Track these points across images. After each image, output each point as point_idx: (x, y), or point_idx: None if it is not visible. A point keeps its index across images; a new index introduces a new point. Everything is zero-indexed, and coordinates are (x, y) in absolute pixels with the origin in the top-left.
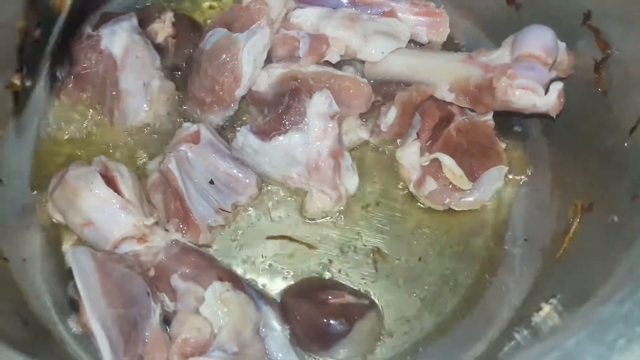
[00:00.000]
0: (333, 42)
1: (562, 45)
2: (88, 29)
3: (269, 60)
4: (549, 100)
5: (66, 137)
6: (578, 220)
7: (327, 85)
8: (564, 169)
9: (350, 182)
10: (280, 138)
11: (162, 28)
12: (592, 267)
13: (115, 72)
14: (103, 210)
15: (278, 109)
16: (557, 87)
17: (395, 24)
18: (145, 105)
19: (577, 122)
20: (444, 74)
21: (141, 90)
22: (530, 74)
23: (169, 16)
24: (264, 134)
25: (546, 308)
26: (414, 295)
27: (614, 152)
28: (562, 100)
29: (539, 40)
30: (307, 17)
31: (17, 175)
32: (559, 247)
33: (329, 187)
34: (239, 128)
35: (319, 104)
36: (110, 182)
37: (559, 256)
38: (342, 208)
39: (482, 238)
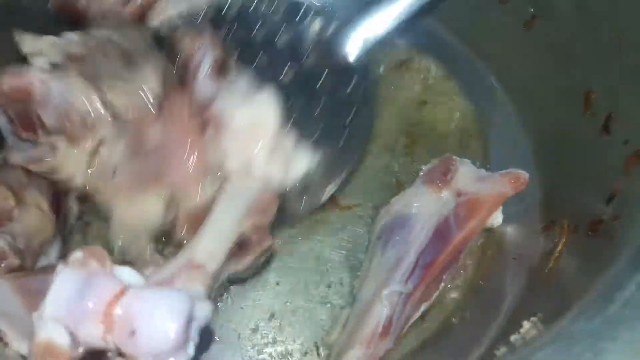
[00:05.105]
0: None
1: None
2: None
3: None
4: None
5: None
6: (564, 240)
7: None
8: (554, 188)
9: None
10: None
11: None
12: (571, 286)
13: None
14: None
15: None
16: None
17: None
18: None
19: (568, 143)
20: None
21: None
22: None
23: None
24: None
25: (526, 325)
26: None
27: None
28: None
29: None
30: None
31: None
32: (545, 266)
33: None
34: None
35: None
36: None
37: (544, 275)
38: None
39: (470, 255)
